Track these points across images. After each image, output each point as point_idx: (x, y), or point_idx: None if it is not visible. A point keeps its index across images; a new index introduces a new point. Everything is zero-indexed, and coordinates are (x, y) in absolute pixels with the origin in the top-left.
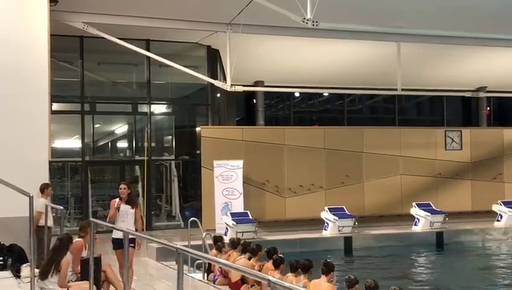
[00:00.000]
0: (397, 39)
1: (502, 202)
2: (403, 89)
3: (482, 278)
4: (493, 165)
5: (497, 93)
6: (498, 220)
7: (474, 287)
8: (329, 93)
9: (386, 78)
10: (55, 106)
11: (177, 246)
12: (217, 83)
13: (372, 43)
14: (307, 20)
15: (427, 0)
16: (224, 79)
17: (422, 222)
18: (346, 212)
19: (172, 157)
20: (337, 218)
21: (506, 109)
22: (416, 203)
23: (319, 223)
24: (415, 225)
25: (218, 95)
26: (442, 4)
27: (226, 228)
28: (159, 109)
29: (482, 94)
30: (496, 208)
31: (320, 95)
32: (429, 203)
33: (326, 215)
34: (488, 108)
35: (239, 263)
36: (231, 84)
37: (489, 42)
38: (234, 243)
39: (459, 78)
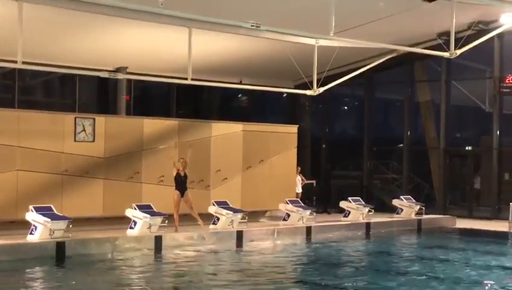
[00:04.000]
0: None
1: (136, 205)
2: (25, 62)
3: None
4: (130, 161)
5: (138, 76)
6: (131, 227)
7: None
8: None
9: (4, 46)
10: None
11: None
12: None
13: None
14: None
15: None
16: None
17: (41, 230)
18: None
19: None
20: None
21: (150, 95)
22: (34, 207)
23: None
24: (31, 233)
25: None
26: None
27: None
28: None
29: (121, 75)
30: (129, 213)
31: None
32: (50, 207)
33: None
34: (128, 95)
35: None
36: None
37: (134, 14)
38: None
39: (96, 54)
